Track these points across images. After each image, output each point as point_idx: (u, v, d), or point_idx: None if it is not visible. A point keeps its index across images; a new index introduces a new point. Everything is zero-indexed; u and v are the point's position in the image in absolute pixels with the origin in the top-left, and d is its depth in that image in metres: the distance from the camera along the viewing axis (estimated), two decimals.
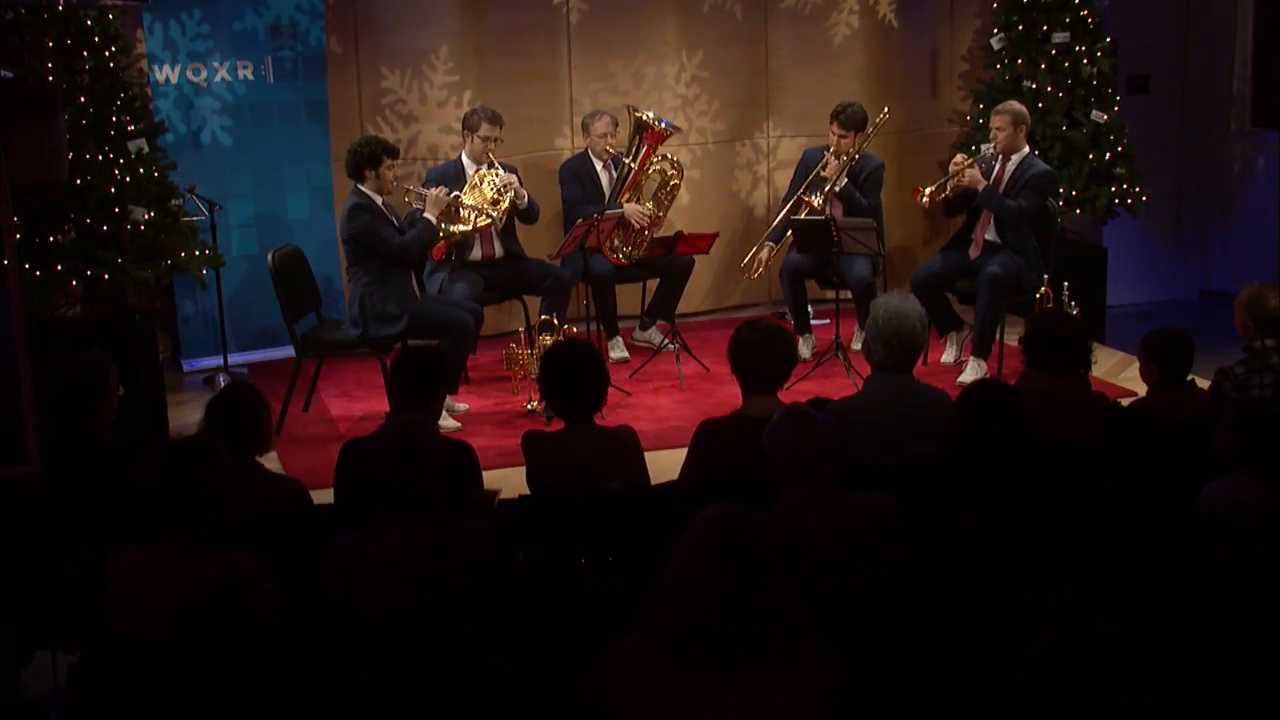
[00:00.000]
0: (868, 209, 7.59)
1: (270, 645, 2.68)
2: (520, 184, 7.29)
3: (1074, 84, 8.06)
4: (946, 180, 7.28)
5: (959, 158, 7.32)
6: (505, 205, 7.12)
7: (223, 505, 3.56)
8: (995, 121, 7.31)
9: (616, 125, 7.77)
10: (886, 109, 7.78)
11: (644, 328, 8.05)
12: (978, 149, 7.94)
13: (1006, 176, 7.30)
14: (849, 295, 7.55)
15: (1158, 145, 8.89)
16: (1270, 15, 8.71)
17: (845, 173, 7.65)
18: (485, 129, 7.20)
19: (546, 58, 8.22)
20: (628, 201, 7.74)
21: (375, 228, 6.58)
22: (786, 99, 8.67)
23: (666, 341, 7.64)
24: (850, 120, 7.64)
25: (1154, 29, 8.94)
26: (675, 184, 7.94)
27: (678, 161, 7.96)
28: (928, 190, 7.29)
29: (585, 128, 7.82)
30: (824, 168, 7.67)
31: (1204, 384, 5.31)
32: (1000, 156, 7.32)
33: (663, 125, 7.74)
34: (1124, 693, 2.37)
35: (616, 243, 7.72)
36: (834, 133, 7.68)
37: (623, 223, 7.65)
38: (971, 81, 8.73)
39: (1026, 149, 7.35)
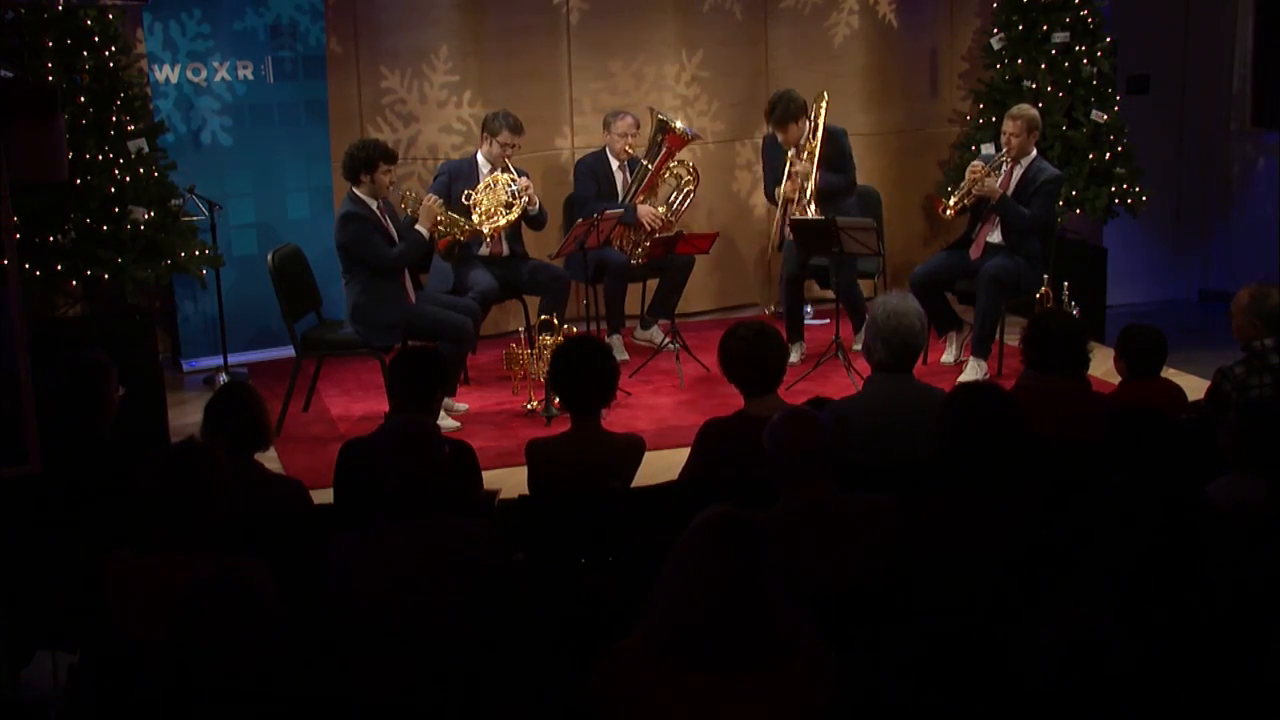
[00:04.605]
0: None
1: (270, 646, 2.68)
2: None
3: (1074, 84, 8.06)
4: (969, 190, 7.18)
5: (976, 164, 7.21)
6: (517, 210, 7.13)
7: (222, 508, 3.56)
8: (1009, 126, 7.19)
9: (639, 127, 7.75)
10: (825, 94, 7.49)
11: (645, 326, 8.05)
12: (977, 149, 7.93)
13: (1015, 180, 7.24)
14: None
15: (1158, 145, 8.88)
16: (1270, 15, 8.69)
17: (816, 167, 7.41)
18: (505, 136, 7.21)
19: (546, 58, 8.23)
20: (642, 203, 7.73)
21: (365, 237, 6.55)
22: None
23: (667, 341, 7.64)
24: (782, 117, 7.40)
25: (1154, 29, 8.92)
26: (690, 190, 7.90)
27: (695, 168, 7.94)
28: (951, 202, 7.22)
29: (607, 125, 7.77)
30: (790, 167, 7.41)
31: (1204, 384, 5.31)
32: (1009, 160, 7.26)
33: (686, 131, 7.71)
34: (1122, 690, 2.37)
35: (634, 238, 7.73)
36: (776, 132, 7.51)
37: (633, 224, 7.65)
38: (971, 81, 8.73)
39: (1034, 152, 7.31)
